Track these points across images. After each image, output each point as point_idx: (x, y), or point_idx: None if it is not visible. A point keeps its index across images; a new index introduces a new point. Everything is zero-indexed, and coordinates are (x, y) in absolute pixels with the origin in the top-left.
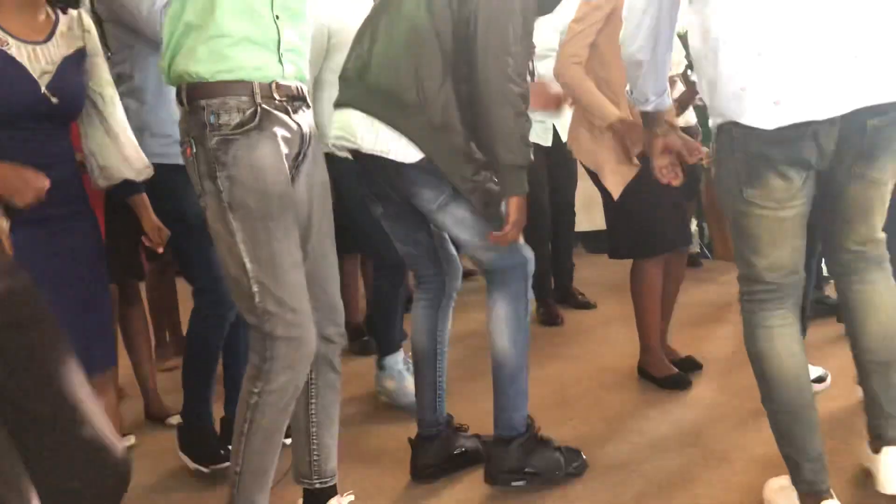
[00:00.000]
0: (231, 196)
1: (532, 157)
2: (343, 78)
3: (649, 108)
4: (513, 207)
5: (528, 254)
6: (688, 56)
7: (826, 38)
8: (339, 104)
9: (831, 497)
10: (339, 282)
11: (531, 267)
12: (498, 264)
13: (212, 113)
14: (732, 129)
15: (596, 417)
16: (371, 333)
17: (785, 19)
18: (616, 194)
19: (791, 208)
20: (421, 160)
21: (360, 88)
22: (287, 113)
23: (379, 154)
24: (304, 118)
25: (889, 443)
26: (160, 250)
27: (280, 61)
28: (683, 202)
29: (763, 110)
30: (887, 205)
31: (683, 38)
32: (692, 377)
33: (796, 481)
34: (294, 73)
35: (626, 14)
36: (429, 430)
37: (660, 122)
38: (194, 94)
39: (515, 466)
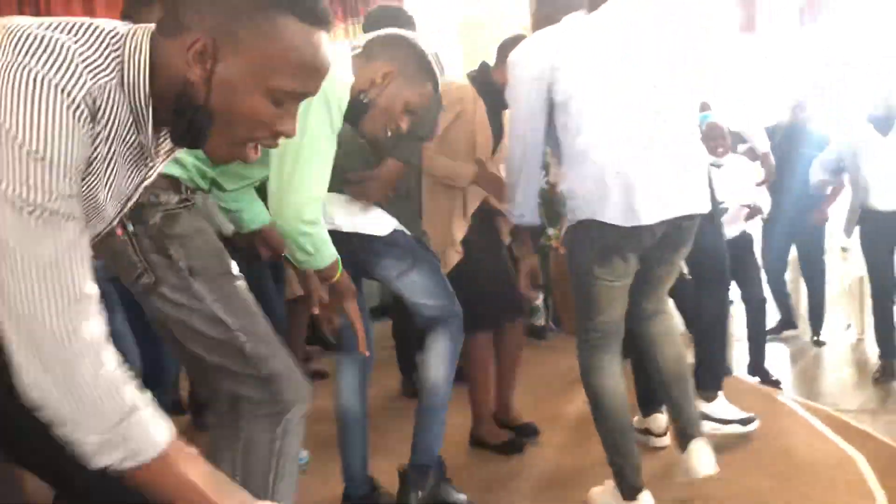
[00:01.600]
0: (190, 261)
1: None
2: None
3: (523, 222)
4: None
5: (460, 309)
6: None
7: (661, 164)
8: None
9: (645, 489)
10: None
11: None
12: (441, 315)
13: (151, 193)
14: (591, 224)
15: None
16: None
17: (635, 150)
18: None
19: (624, 280)
20: (392, 232)
21: None
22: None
23: (353, 230)
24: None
25: (694, 436)
26: None
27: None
28: (511, 275)
29: (621, 213)
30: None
31: None
32: (529, 442)
33: (620, 482)
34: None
35: (508, 137)
36: (362, 488)
37: (526, 241)
38: None
39: (429, 495)
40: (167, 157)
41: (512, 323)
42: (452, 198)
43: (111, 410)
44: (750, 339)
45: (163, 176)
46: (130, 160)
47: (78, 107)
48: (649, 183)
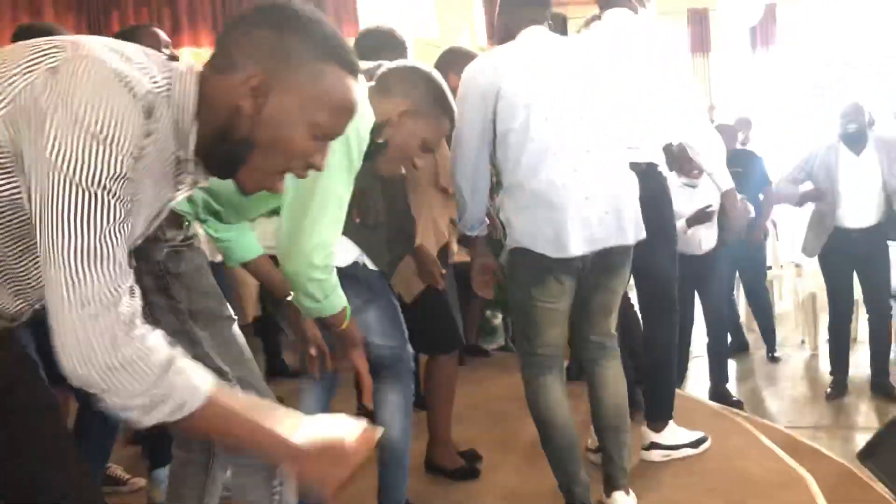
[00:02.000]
0: (191, 304)
1: None
2: None
3: (474, 233)
4: None
5: (410, 353)
6: None
7: (591, 196)
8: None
9: None
10: None
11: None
12: (391, 359)
13: (157, 229)
14: (528, 251)
15: None
16: None
17: (565, 182)
18: (409, 300)
19: (562, 303)
20: (352, 264)
21: None
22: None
23: None
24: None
25: (618, 488)
26: None
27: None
28: (454, 306)
29: (552, 245)
30: (618, 309)
31: None
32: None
33: (569, 501)
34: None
35: (453, 153)
36: None
37: (481, 246)
38: None
39: None
40: (190, 188)
41: (450, 354)
42: (423, 221)
43: (152, 365)
44: (710, 357)
45: (172, 212)
46: (163, 174)
47: (139, 101)
48: (578, 216)
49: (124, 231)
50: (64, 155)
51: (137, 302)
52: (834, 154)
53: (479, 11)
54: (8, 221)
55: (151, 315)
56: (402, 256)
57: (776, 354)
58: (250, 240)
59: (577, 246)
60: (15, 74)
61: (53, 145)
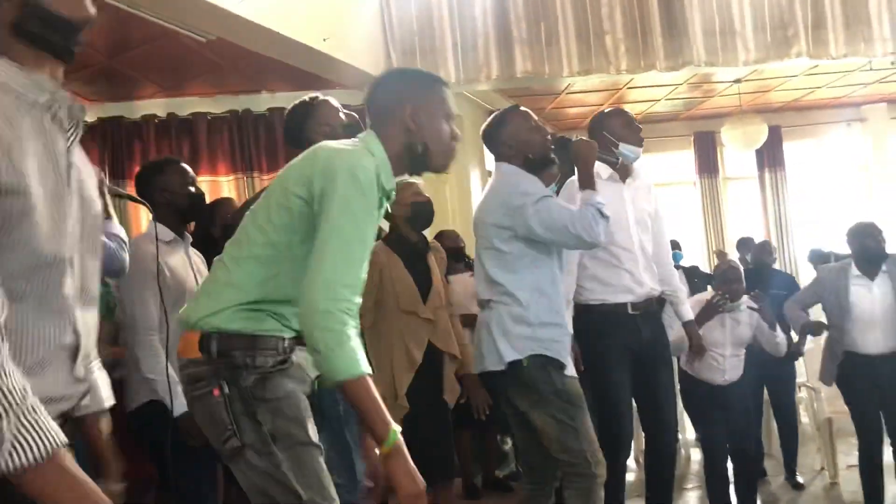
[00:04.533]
0: (274, 427)
1: None
2: None
3: None
4: None
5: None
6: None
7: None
8: None
9: None
10: None
11: None
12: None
13: (247, 356)
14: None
15: None
16: None
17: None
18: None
19: None
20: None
21: None
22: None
23: None
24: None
25: None
26: None
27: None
28: (450, 436)
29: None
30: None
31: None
32: None
33: None
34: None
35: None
36: None
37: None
38: (228, 343)
39: None
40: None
41: (444, 484)
42: (396, 348)
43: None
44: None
45: (267, 336)
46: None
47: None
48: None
49: None
50: None
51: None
52: (845, 277)
53: None
54: None
55: (240, 437)
56: None
57: (797, 480)
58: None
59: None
60: None
61: None
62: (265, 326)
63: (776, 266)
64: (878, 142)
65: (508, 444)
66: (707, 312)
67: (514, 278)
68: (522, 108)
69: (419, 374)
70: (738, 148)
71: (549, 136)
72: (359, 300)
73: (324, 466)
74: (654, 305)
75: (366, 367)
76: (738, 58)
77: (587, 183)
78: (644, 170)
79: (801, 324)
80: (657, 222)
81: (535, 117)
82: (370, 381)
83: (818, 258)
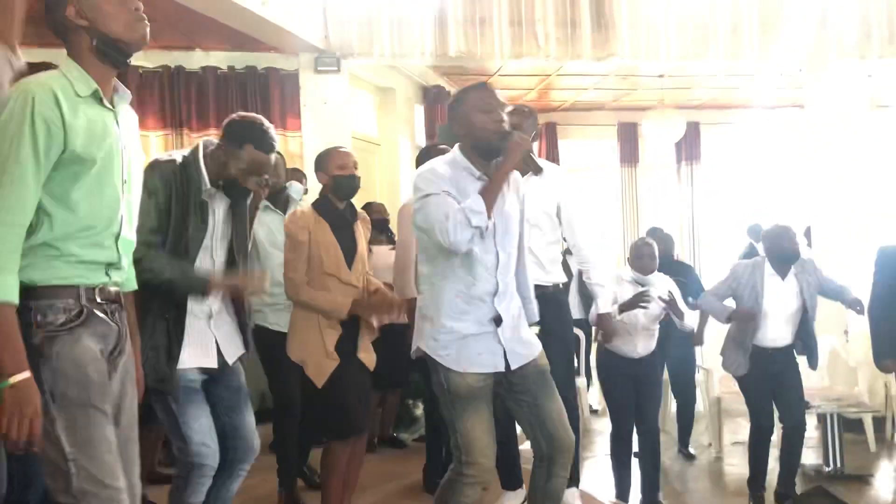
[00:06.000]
0: (53, 387)
1: None
2: None
3: None
4: None
5: None
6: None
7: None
8: None
9: None
10: (139, 465)
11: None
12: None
13: (38, 312)
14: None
15: None
16: None
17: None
18: (320, 384)
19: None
20: None
21: None
22: (106, 314)
23: None
24: (122, 319)
25: None
26: None
27: (107, 274)
28: (369, 392)
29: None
30: None
31: None
32: None
33: None
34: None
35: None
36: None
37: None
38: (23, 296)
39: None
40: None
41: (358, 437)
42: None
43: None
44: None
45: (61, 287)
46: None
47: None
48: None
49: None
50: None
51: None
52: (760, 274)
53: (419, 114)
54: None
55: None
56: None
57: (690, 451)
58: None
59: (490, 365)
60: None
61: None
62: (60, 275)
63: (676, 254)
64: (787, 144)
65: (420, 409)
66: (629, 304)
67: (430, 270)
68: (484, 88)
69: (343, 335)
70: (657, 140)
71: (501, 123)
72: (27, 220)
73: (105, 430)
74: (549, 291)
75: (10, 298)
76: (660, 53)
77: (489, 186)
78: (551, 165)
79: (727, 313)
80: (564, 211)
81: (496, 99)
82: (9, 315)
83: (756, 234)
